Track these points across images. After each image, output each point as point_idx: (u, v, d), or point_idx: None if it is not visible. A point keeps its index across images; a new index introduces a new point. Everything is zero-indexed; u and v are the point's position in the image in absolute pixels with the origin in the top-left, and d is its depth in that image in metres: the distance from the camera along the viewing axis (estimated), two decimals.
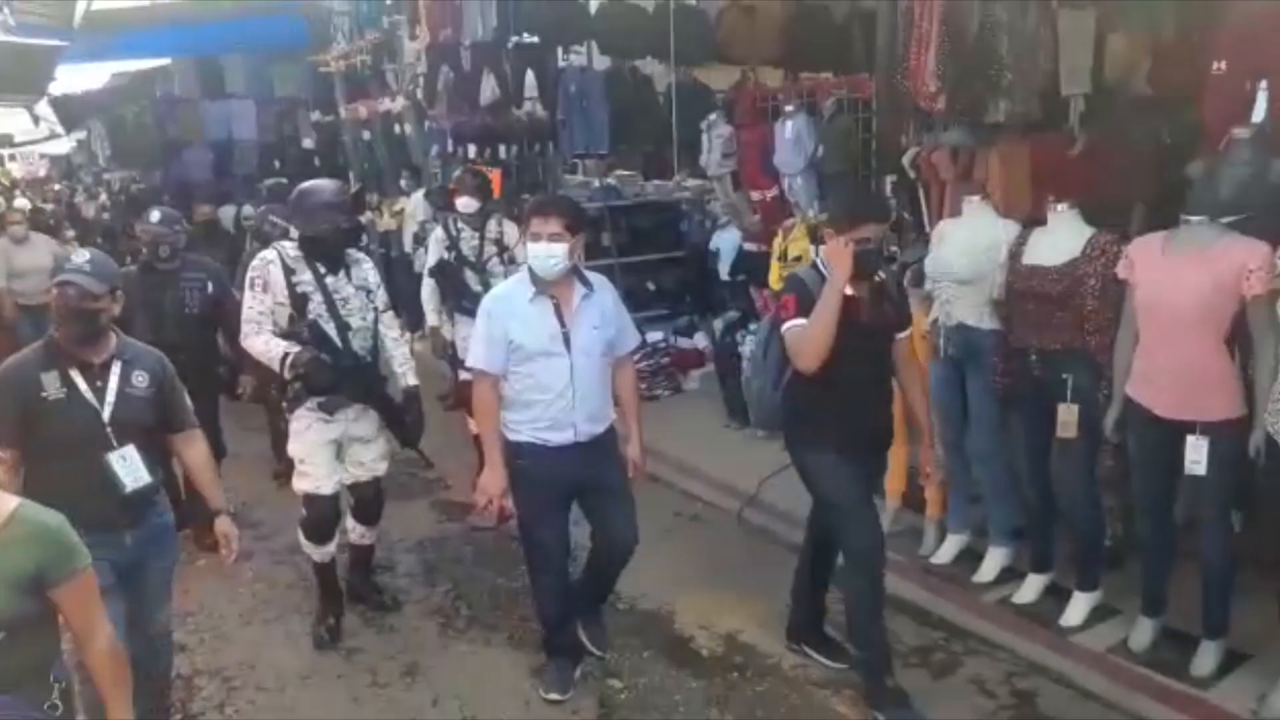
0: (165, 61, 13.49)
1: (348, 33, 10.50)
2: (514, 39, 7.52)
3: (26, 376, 2.90)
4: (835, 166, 5.17)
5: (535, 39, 7.53)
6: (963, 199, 4.27)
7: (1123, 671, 3.43)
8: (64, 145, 23.02)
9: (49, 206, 16.21)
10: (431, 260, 5.45)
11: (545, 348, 3.44)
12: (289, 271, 3.89)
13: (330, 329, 3.91)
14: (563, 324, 3.46)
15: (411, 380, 4.12)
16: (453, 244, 5.35)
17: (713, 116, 6.13)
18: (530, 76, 7.54)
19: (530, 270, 3.46)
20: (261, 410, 5.66)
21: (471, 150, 7.72)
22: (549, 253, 3.37)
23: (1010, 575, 4.04)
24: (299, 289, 3.88)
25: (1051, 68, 4.70)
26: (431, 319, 5.50)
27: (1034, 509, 3.86)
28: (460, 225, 5.36)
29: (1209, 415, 3.15)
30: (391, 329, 4.19)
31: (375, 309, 4.09)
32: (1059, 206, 3.63)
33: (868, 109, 5.29)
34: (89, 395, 2.90)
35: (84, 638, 2.14)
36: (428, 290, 5.47)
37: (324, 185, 4.06)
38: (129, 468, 2.93)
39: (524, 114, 7.58)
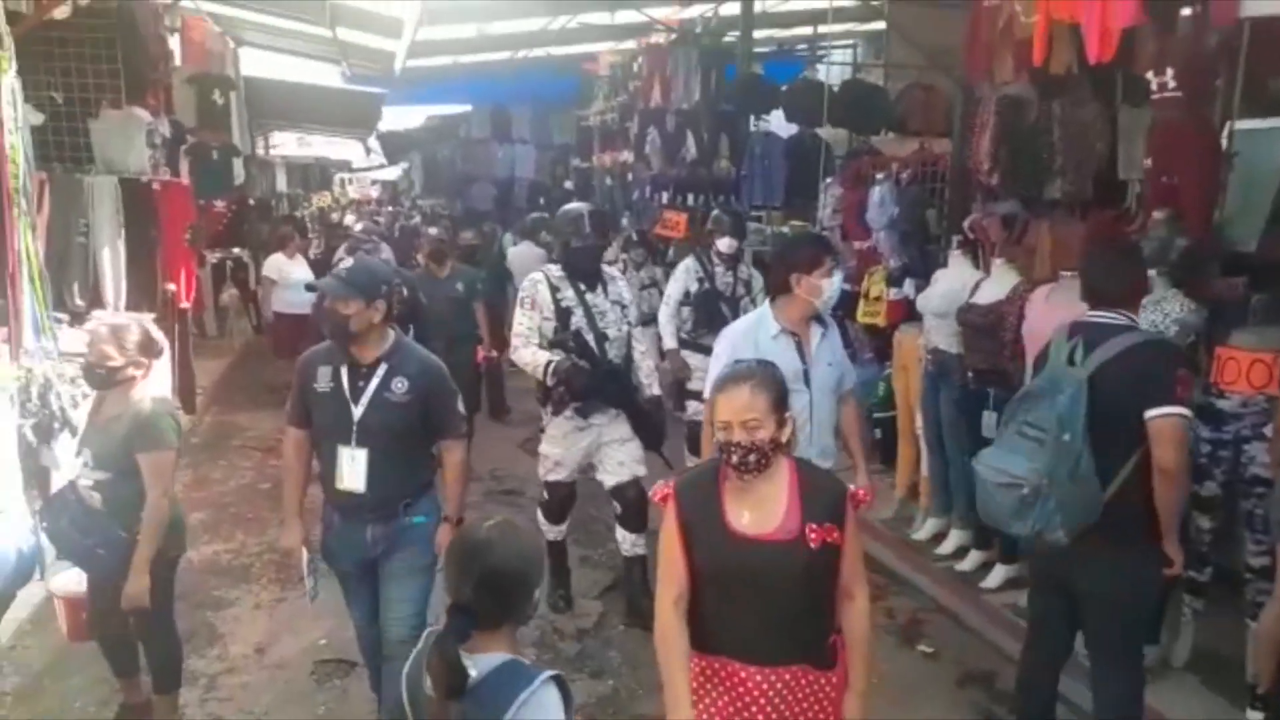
0: (468, 108, 16.70)
1: (606, 93, 12.87)
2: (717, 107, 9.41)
3: (308, 367, 3.39)
4: (907, 226, 6.52)
5: (730, 107, 9.36)
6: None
7: (998, 614, 4.62)
8: (393, 173, 27.78)
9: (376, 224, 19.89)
10: (679, 289, 6.09)
11: (788, 385, 3.49)
12: (554, 289, 4.47)
13: (590, 339, 4.42)
14: (804, 361, 3.72)
15: (656, 390, 4.63)
16: (707, 277, 6.04)
17: (829, 180, 7.62)
18: (724, 139, 9.39)
19: (777, 308, 3.77)
20: None
21: (664, 197, 9.65)
22: (834, 287, 3.78)
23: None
24: (563, 304, 4.45)
25: (1109, 154, 5.83)
26: (669, 341, 6.06)
27: None
28: (716, 262, 6.08)
29: None
30: (641, 343, 4.73)
31: (629, 323, 4.62)
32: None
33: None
34: (347, 393, 3.30)
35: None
36: (665, 315, 6.11)
37: (574, 208, 4.76)
38: (354, 469, 3.29)
39: (713, 169, 9.40)
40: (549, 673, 2.01)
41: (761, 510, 2.42)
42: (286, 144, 19.79)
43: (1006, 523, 3.17)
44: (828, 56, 10.13)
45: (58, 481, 4.82)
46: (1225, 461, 3.90)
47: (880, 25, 9.87)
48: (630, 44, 11.82)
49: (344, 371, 3.31)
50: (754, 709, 2.40)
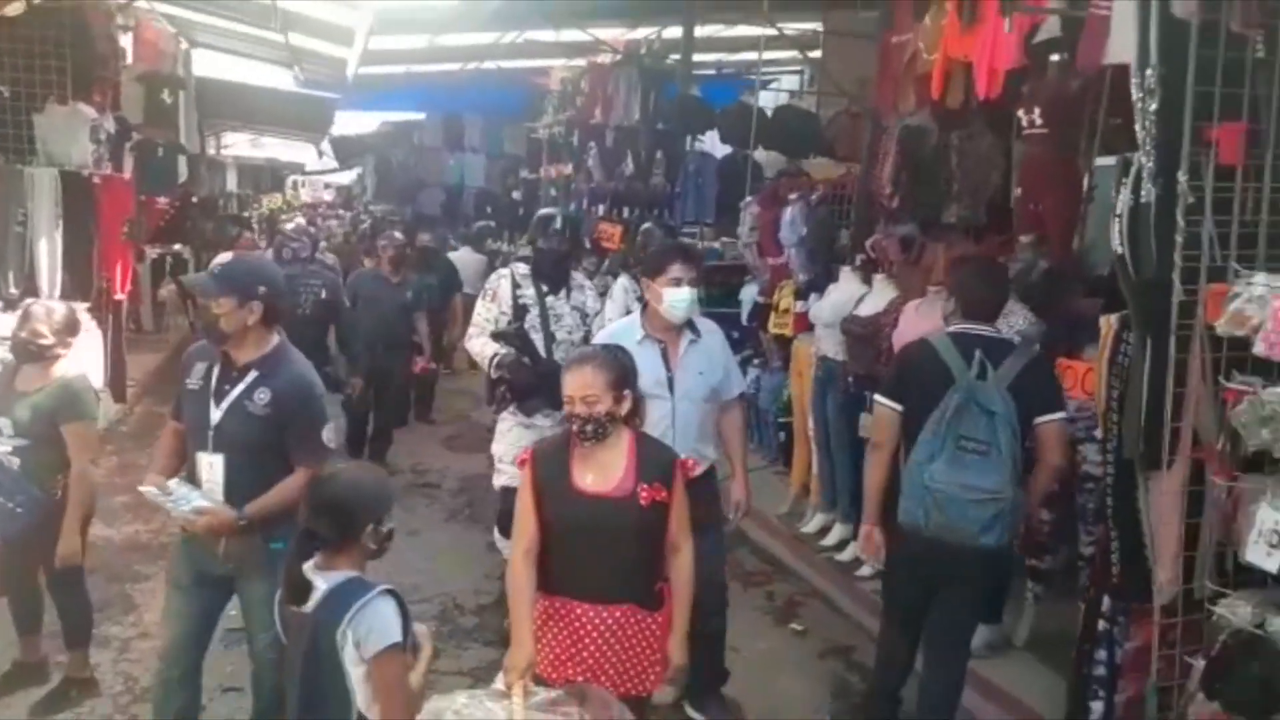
0: (421, 115, 17.06)
1: (555, 107, 13.30)
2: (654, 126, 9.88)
3: (188, 361, 3.33)
4: (815, 244, 7.00)
5: (668, 126, 9.83)
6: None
7: (867, 597, 5.06)
8: (347, 177, 28.00)
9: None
10: (618, 309, 6.08)
11: (649, 390, 3.52)
12: (515, 286, 4.71)
13: (538, 338, 4.61)
14: (668, 368, 3.79)
15: None
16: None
17: (748, 199, 8.11)
18: (660, 156, 9.85)
19: (646, 315, 3.90)
20: None
21: (601, 210, 10.08)
22: (689, 297, 3.79)
23: None
24: (520, 301, 4.68)
25: (1003, 183, 6.33)
26: None
27: None
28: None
29: None
30: None
31: (587, 330, 4.78)
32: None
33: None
34: (211, 394, 3.20)
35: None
36: (605, 336, 6.28)
37: (552, 210, 5.11)
38: (212, 476, 3.17)
39: (649, 184, 9.86)
40: (385, 586, 2.43)
41: (602, 472, 2.85)
42: (239, 144, 19.95)
43: (974, 535, 3.39)
44: (764, 82, 10.64)
45: None
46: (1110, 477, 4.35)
47: (817, 54, 10.42)
48: (581, 61, 12.28)
49: (215, 371, 3.23)
50: (586, 641, 2.82)
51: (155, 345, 11.24)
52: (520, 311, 4.67)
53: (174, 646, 3.36)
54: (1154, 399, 3.32)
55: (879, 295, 5.38)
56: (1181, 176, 3.25)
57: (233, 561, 3.23)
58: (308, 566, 2.42)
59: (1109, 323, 3.62)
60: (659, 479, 2.86)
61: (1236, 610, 3.02)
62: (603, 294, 8.31)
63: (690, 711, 4.01)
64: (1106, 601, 3.63)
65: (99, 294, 7.40)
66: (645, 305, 4.02)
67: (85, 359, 6.21)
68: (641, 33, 11.08)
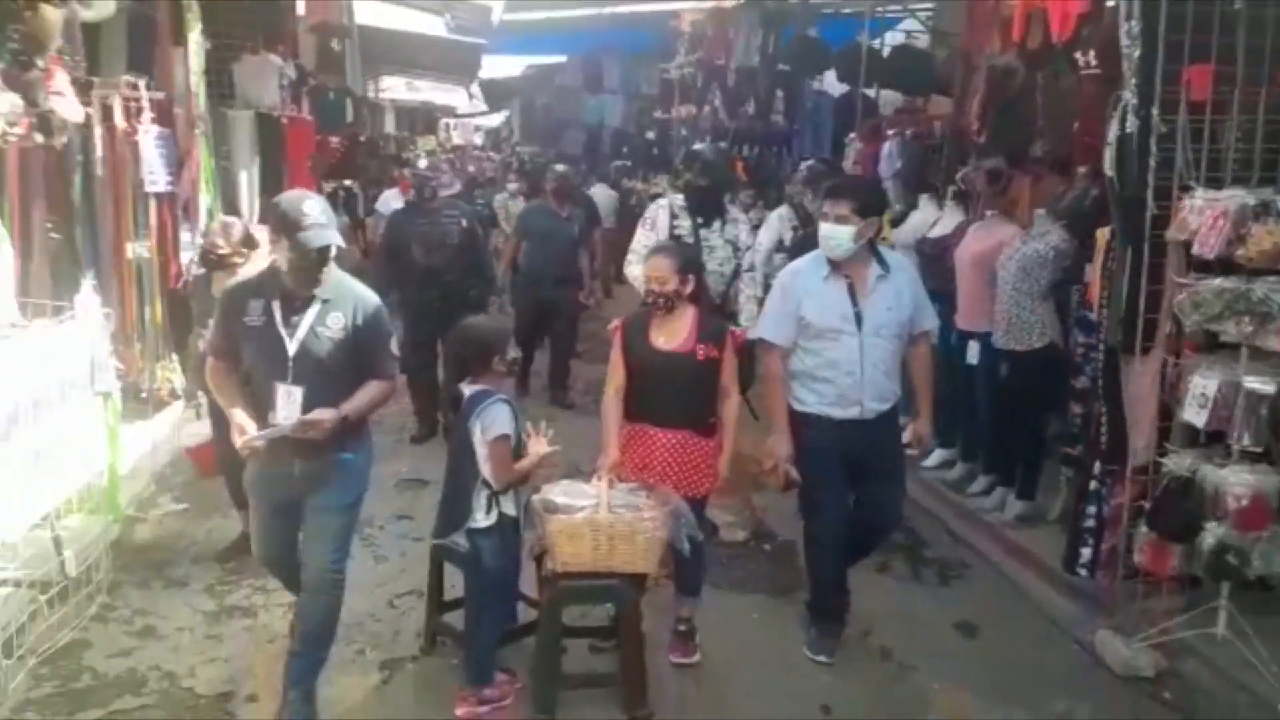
0: (564, 58, 18.22)
1: (686, 49, 14.19)
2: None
3: (236, 300, 3.45)
4: (909, 176, 7.77)
5: (786, 67, 10.65)
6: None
7: (933, 486, 6.00)
8: (496, 120, 29.54)
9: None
10: (771, 237, 6.59)
11: (836, 326, 3.88)
12: (673, 217, 5.08)
13: None
14: (855, 304, 3.90)
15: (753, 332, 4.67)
16: (802, 224, 6.54)
17: (851, 135, 8.90)
18: (779, 95, 10.70)
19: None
20: None
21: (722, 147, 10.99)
22: (833, 234, 3.87)
23: None
24: (676, 232, 5.03)
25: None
26: (758, 289, 5.81)
27: None
28: (812, 210, 6.22)
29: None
30: (748, 286, 5.24)
31: (738, 263, 5.13)
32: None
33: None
34: (280, 327, 3.35)
35: None
36: (759, 261, 6.07)
37: (704, 148, 5.59)
38: (289, 406, 3.33)
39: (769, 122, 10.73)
40: (502, 396, 3.68)
41: (672, 335, 3.92)
42: (396, 88, 21.62)
43: None
44: (887, 22, 11.26)
45: None
46: (1094, 360, 5.17)
47: None
48: (710, 3, 13.11)
49: (276, 306, 3.37)
50: (657, 454, 3.95)
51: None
52: (676, 240, 4.97)
53: (271, 561, 3.82)
54: (1131, 295, 4.16)
55: (949, 219, 6.21)
56: (1154, 111, 4.04)
57: (306, 479, 3.46)
58: (461, 384, 3.72)
59: (1102, 235, 4.45)
60: (713, 342, 3.89)
61: (1177, 462, 3.90)
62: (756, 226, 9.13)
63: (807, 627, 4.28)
64: (1096, 466, 4.50)
65: None
66: None
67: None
68: None
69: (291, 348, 3.34)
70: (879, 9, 11.01)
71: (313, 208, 3.33)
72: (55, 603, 4.22)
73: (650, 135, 16.24)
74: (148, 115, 6.11)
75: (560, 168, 8.69)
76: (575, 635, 4.07)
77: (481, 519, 3.68)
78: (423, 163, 7.84)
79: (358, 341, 3.42)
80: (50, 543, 4.40)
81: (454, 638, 4.08)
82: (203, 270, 4.88)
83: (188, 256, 6.37)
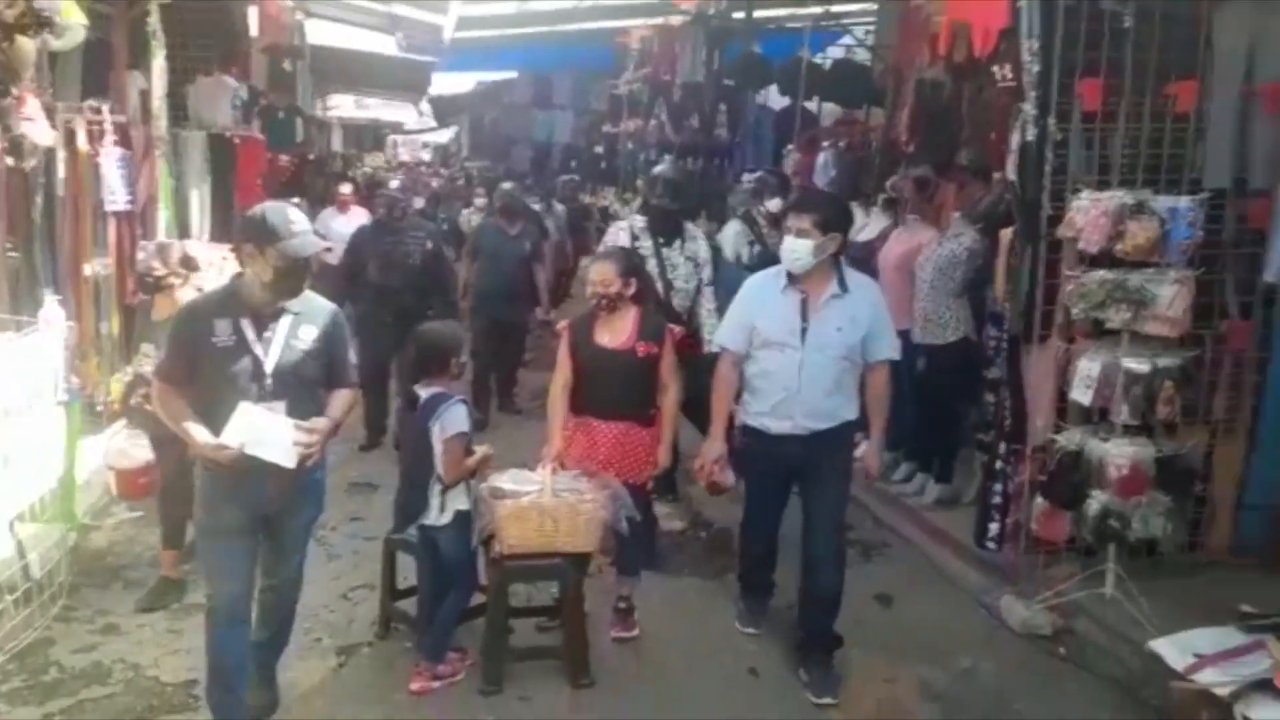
0: (513, 74, 18.56)
1: (635, 65, 14.58)
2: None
3: (199, 319, 3.36)
4: (843, 185, 8.19)
5: (730, 82, 11.06)
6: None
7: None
8: (445, 136, 29.81)
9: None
10: (730, 253, 6.46)
11: (781, 339, 3.92)
12: (634, 238, 5.26)
13: (658, 286, 5.16)
14: (804, 319, 3.91)
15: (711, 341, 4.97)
16: (758, 239, 6.54)
17: (790, 146, 9.34)
18: (722, 109, 11.11)
19: None
20: None
21: (666, 160, 11.39)
22: (793, 247, 3.90)
23: None
24: (639, 252, 5.16)
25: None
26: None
27: None
28: (763, 223, 6.56)
29: None
30: (708, 301, 5.43)
31: (700, 279, 5.35)
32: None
33: None
34: (253, 344, 3.32)
35: None
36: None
37: (664, 168, 5.65)
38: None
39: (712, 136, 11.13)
40: (459, 398, 4.01)
41: (614, 333, 4.29)
42: (344, 105, 21.82)
43: None
44: (830, 36, 11.71)
45: None
46: (1005, 352, 5.56)
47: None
48: (659, 20, 13.53)
49: (246, 323, 3.34)
50: (600, 444, 4.31)
51: None
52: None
53: (233, 598, 3.51)
54: (1030, 289, 4.57)
55: (875, 225, 6.62)
56: (1050, 120, 4.46)
57: (279, 497, 3.43)
58: (417, 386, 4.05)
59: (1005, 234, 4.86)
60: (653, 339, 4.26)
61: (1068, 437, 4.30)
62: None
63: (801, 674, 4.16)
64: (1002, 446, 4.89)
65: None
66: None
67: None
68: None
69: (269, 363, 3.34)
70: (822, 24, 11.52)
71: (298, 216, 3.38)
72: (20, 604, 4.42)
73: (599, 150, 16.61)
74: (110, 138, 6.33)
75: (507, 185, 8.93)
76: (522, 615, 4.40)
77: (436, 514, 4.02)
78: (395, 183, 7.79)
79: (325, 353, 3.47)
80: (13, 547, 4.58)
81: (408, 623, 4.37)
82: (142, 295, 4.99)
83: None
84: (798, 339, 3.89)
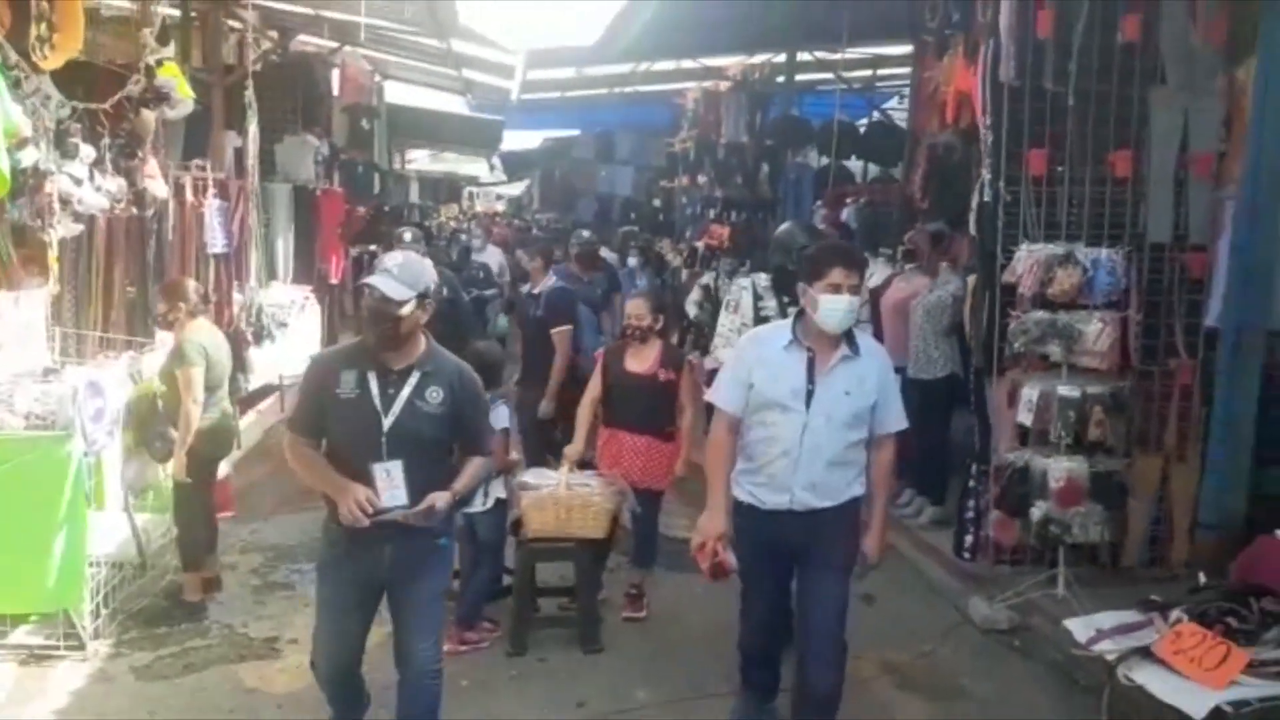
0: (577, 132, 19.82)
1: (689, 124, 15.65)
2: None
3: (328, 370, 3.30)
4: (863, 238, 9.04)
5: (771, 142, 12.03)
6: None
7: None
8: (517, 189, 31.31)
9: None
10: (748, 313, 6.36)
11: (783, 400, 3.57)
12: (757, 298, 5.24)
13: None
14: (810, 379, 3.58)
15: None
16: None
17: (817, 202, 10.23)
18: (765, 167, 12.08)
19: (800, 321, 3.66)
20: None
21: (712, 214, 12.36)
22: (848, 306, 3.52)
23: None
24: (762, 313, 5.14)
25: None
26: None
27: None
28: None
29: None
30: None
31: None
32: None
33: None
34: (376, 401, 3.22)
35: None
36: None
37: (788, 228, 5.42)
38: (391, 483, 3.20)
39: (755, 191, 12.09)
40: (502, 398, 4.92)
41: (642, 360, 5.23)
42: (420, 160, 23.27)
43: None
44: (870, 99, 12.63)
45: (253, 380, 7.96)
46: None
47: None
48: (710, 83, 14.61)
49: (371, 377, 3.26)
50: (625, 453, 5.20)
51: (356, 325, 14.23)
52: (762, 322, 4.92)
53: (341, 669, 3.48)
54: (989, 328, 5.39)
55: (881, 273, 7.46)
56: (1001, 184, 5.32)
57: (398, 565, 3.32)
58: None
59: (972, 281, 5.69)
60: (673, 367, 5.21)
61: (1017, 455, 5.09)
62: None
63: None
64: (974, 467, 5.67)
65: (319, 278, 10.27)
66: (801, 311, 3.75)
67: (307, 329, 9.05)
68: (759, 58, 13.30)
69: (386, 422, 3.25)
70: (856, 86, 12.48)
71: (393, 259, 3.35)
72: (138, 574, 5.45)
73: (657, 203, 17.67)
74: (211, 190, 7.52)
75: (585, 233, 9.08)
76: (548, 594, 5.30)
77: (480, 500, 4.90)
78: (408, 234, 7.71)
79: (457, 416, 3.36)
80: (129, 529, 5.59)
81: (451, 598, 5.27)
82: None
83: (238, 305, 7.77)
84: (801, 401, 3.59)
